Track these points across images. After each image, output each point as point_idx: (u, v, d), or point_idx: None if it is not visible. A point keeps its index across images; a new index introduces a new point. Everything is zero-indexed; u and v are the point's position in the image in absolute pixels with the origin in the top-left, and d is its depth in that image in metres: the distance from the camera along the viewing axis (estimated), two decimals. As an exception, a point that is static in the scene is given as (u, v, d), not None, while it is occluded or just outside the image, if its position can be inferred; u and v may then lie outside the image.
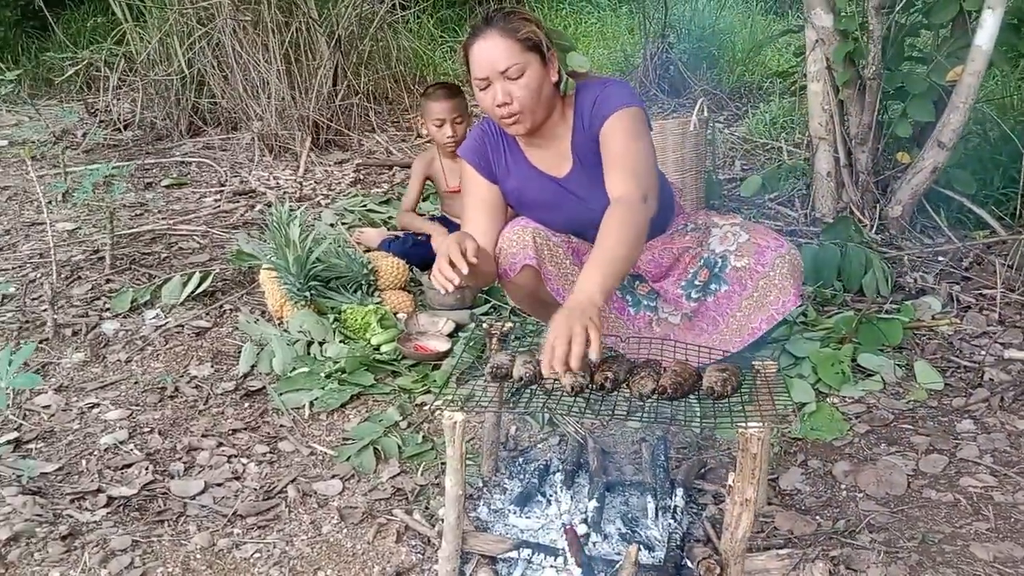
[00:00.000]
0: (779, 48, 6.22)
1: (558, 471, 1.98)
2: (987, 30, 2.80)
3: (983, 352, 2.47)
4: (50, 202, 3.86)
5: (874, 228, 3.23)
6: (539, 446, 2.16)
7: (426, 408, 2.30)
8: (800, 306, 2.68)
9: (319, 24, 4.64)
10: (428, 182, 3.31)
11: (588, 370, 1.65)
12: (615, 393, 1.63)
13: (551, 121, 1.99)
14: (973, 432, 2.13)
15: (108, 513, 1.89)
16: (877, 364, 2.40)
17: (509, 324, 1.91)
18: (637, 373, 1.64)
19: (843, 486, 1.96)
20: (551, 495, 1.91)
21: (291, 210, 2.83)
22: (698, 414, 1.97)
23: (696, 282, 2.10)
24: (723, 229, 2.10)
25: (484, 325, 1.92)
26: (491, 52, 1.86)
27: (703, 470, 2.03)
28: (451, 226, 3.25)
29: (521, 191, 2.07)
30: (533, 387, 1.65)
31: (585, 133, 1.98)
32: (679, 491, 1.87)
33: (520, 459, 2.08)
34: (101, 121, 5.11)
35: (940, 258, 3.04)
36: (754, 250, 2.01)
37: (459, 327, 2.73)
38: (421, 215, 3.34)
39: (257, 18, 4.57)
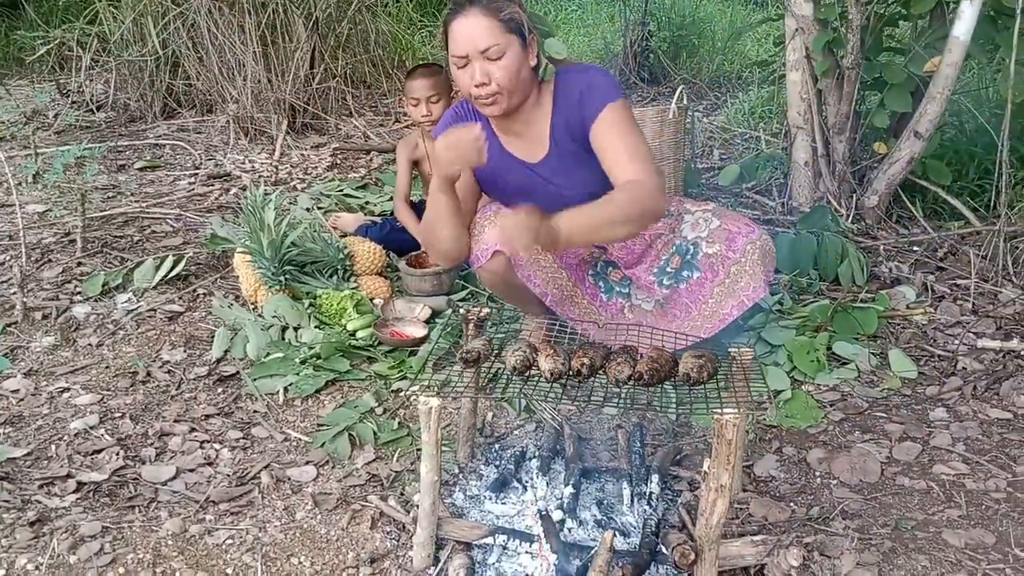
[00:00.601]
0: (758, 37, 6.23)
1: (534, 457, 1.97)
2: (965, 21, 2.82)
3: (957, 341, 2.50)
4: (20, 183, 3.79)
5: (850, 218, 3.24)
6: (516, 432, 2.15)
7: (402, 394, 2.28)
8: (776, 294, 2.70)
9: (296, 5, 4.57)
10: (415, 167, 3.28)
11: (566, 357, 1.64)
12: (592, 379, 1.63)
13: (527, 105, 1.98)
14: (946, 420, 2.15)
15: (78, 499, 1.87)
16: (852, 352, 2.42)
17: (486, 310, 1.90)
18: (614, 359, 1.63)
19: (817, 473, 1.97)
20: (527, 481, 1.90)
21: (266, 194, 2.80)
22: (674, 400, 1.98)
23: (668, 269, 2.10)
24: (695, 216, 2.10)
25: (460, 311, 1.91)
26: (472, 30, 1.83)
27: (679, 456, 2.03)
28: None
29: (494, 176, 2.06)
30: (511, 374, 1.63)
31: (566, 121, 1.97)
32: (655, 477, 1.87)
33: (496, 445, 2.07)
34: (73, 102, 5.02)
35: (915, 248, 3.06)
36: (725, 236, 2.02)
37: (436, 313, 2.72)
38: (412, 202, 3.31)
39: (233, -1, 4.51)
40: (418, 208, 3.25)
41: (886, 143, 3.24)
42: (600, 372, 1.64)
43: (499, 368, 1.80)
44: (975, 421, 2.14)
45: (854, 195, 3.29)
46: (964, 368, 2.37)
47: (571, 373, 1.61)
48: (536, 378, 1.65)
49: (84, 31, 4.97)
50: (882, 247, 3.05)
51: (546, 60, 2.00)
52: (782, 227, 3.26)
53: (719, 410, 1.48)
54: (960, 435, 2.08)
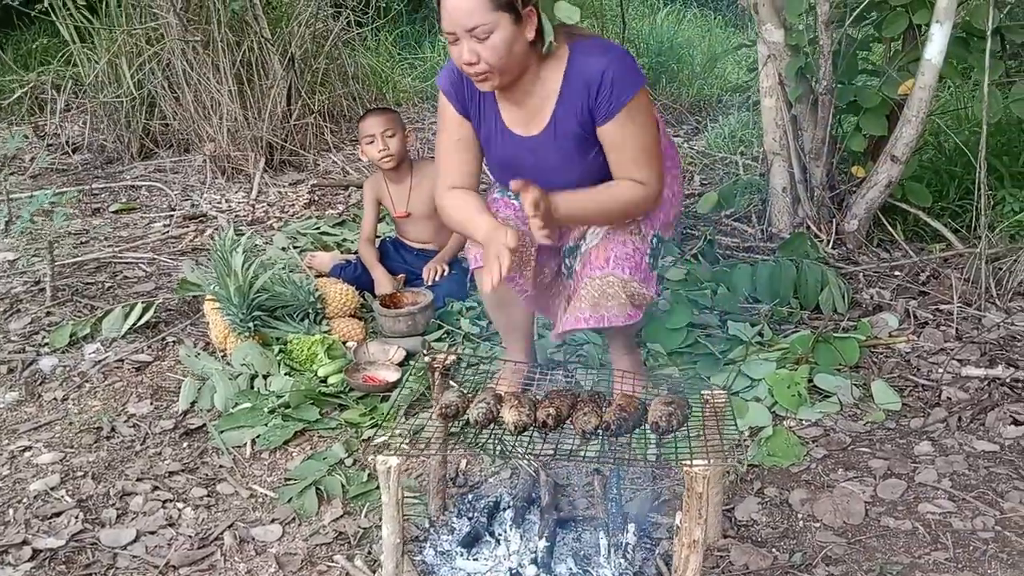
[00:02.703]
0: (737, 61, 6.23)
1: (508, 508, 1.91)
2: (936, 44, 2.80)
3: (940, 370, 2.45)
4: (-10, 231, 3.73)
5: (831, 243, 3.21)
6: (490, 480, 2.09)
7: (373, 443, 2.22)
8: (756, 325, 2.64)
9: (272, 43, 4.55)
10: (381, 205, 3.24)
11: (531, 407, 1.59)
12: (559, 429, 1.58)
13: (526, 78, 1.92)
14: (931, 455, 2.09)
15: (32, 568, 1.80)
16: (834, 385, 2.36)
17: (453, 357, 1.85)
18: (580, 408, 1.58)
19: (800, 515, 1.92)
20: (500, 534, 1.84)
21: (235, 236, 2.75)
22: (646, 445, 1.92)
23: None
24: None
25: (426, 358, 1.86)
26: (459, 8, 1.78)
27: (657, 502, 1.97)
28: (405, 251, 3.18)
29: (488, 144, 2.05)
30: (474, 427, 1.58)
31: (575, 108, 1.91)
32: (631, 527, 1.80)
33: (470, 495, 2.00)
34: (49, 145, 4.97)
35: (897, 273, 3.02)
36: (591, 257, 2.03)
37: (411, 355, 2.66)
38: (379, 237, 3.27)
39: (208, 38, 4.47)
40: (385, 247, 3.21)
41: (864, 167, 3.22)
42: (567, 422, 1.58)
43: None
44: (961, 454, 2.08)
45: (833, 220, 3.25)
46: (949, 398, 2.32)
47: (536, 424, 1.55)
48: (503, 429, 1.59)
49: (59, 73, 4.94)
50: (863, 273, 3.01)
51: (558, 23, 1.92)
52: (762, 254, 3.22)
53: (688, 461, 1.43)
54: (946, 470, 2.03)
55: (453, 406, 1.59)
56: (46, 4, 4.48)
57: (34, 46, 5.70)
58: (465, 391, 2.16)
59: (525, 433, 1.56)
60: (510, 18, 1.79)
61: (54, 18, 4.64)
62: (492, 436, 1.68)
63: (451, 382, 1.91)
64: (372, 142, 3.01)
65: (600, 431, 1.52)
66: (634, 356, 2.32)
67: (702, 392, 1.70)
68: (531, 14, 1.84)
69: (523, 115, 1.99)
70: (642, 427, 1.57)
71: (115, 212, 4.11)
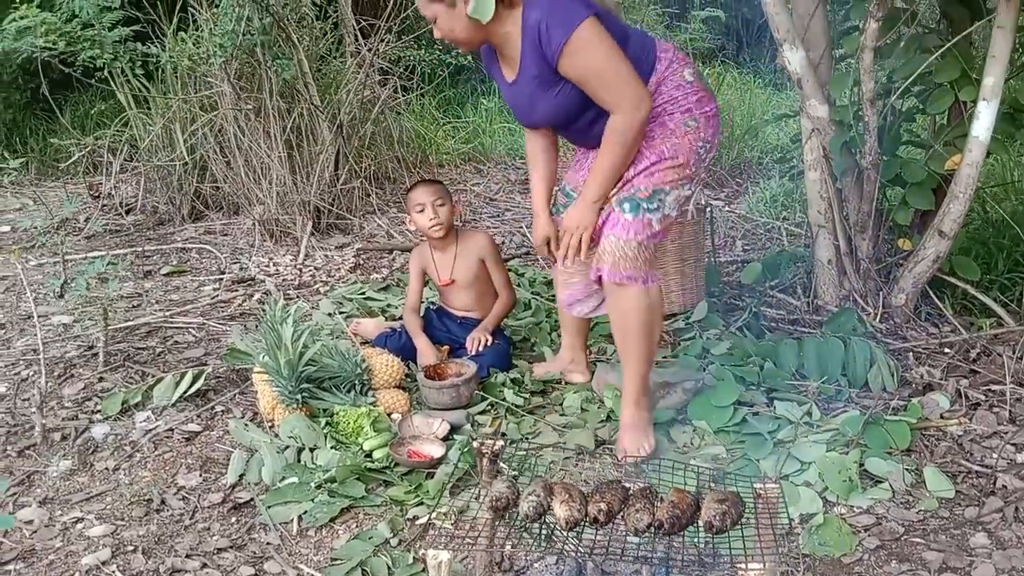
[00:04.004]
0: (778, 124, 6.25)
1: (554, 595, 1.90)
2: (983, 121, 2.79)
3: (995, 455, 2.40)
4: (47, 295, 3.85)
5: (878, 316, 3.17)
6: (536, 566, 2.07)
7: (419, 522, 2.22)
8: (804, 404, 2.61)
9: (321, 110, 4.68)
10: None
11: (582, 500, 1.59)
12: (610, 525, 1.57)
13: (499, 33, 2.28)
14: (988, 548, 2.04)
15: (84, 647, 1.82)
16: (885, 470, 2.32)
17: (500, 443, 1.85)
18: (632, 505, 1.57)
19: (853, 610, 1.87)
20: (547, 623, 1.82)
21: (285, 306, 2.80)
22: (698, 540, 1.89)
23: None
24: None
25: (475, 443, 1.86)
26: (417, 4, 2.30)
27: (706, 593, 1.94)
28: (448, 319, 3.22)
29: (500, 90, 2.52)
30: (525, 521, 1.58)
31: (532, 52, 2.24)
32: (680, 620, 1.78)
33: (515, 580, 1.99)
34: (104, 206, 5.13)
35: (947, 350, 2.98)
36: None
37: (455, 428, 2.67)
38: (423, 303, 3.31)
39: (259, 105, 4.62)
40: (428, 315, 3.24)
41: (910, 239, 3.20)
42: (619, 518, 1.58)
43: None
44: (1019, 549, 2.03)
45: (880, 293, 3.22)
46: (1004, 486, 2.26)
47: (588, 520, 1.55)
48: (553, 523, 1.59)
49: (115, 137, 5.11)
50: (912, 350, 2.97)
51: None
52: (808, 327, 3.20)
53: (743, 565, 1.41)
54: (1004, 566, 1.97)
55: (504, 498, 1.60)
56: (105, 73, 4.66)
57: (92, 110, 5.91)
58: (512, 469, 2.17)
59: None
60: (443, 4, 2.23)
61: (112, 86, 4.83)
62: (542, 525, 1.68)
63: (501, 464, 1.91)
64: (422, 211, 3.06)
65: (653, 529, 1.51)
66: (639, 411, 2.45)
67: (755, 485, 1.68)
68: None
69: (506, 62, 2.39)
70: (695, 524, 1.56)
71: (166, 275, 4.21)
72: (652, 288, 2.40)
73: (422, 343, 3.06)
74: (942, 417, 2.60)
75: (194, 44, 4.70)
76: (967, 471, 2.35)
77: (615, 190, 2.38)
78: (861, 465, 2.35)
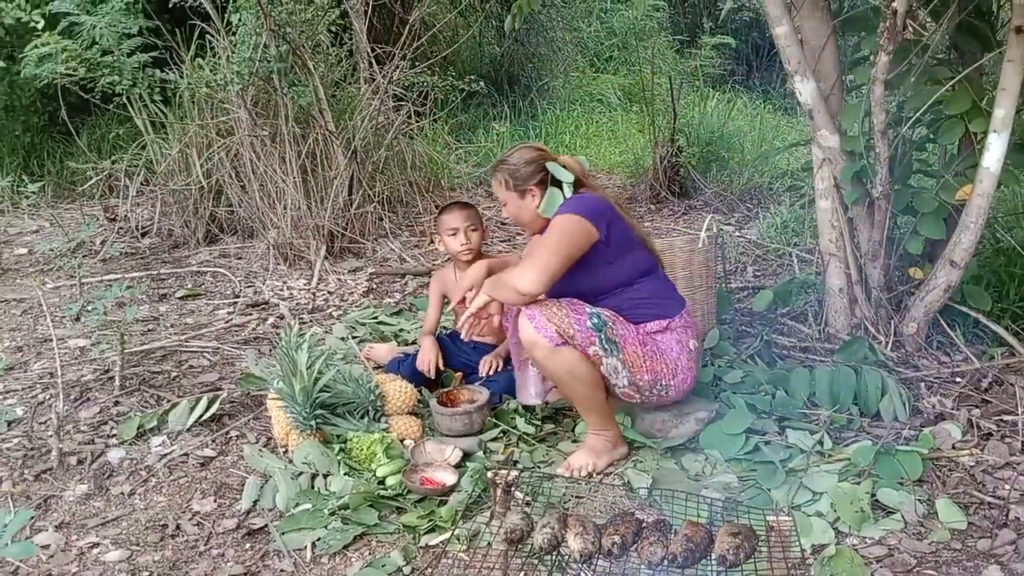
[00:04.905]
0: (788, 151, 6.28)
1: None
2: (994, 152, 2.81)
3: (1007, 486, 2.39)
4: (63, 318, 3.89)
5: (889, 345, 3.18)
6: (547, 594, 2.08)
7: (431, 549, 2.23)
8: (815, 433, 2.62)
9: (336, 136, 4.74)
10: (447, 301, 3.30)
11: (596, 532, 1.60)
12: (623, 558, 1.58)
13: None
14: (1001, 581, 2.04)
15: (100, 673, 1.83)
16: (897, 501, 2.32)
17: (514, 473, 1.87)
18: (646, 537, 1.59)
19: (866, 644, 1.87)
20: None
21: (300, 333, 2.83)
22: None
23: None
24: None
25: (488, 473, 1.88)
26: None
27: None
28: (462, 344, 3.23)
29: None
30: (539, 553, 1.59)
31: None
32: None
33: (528, 609, 2.00)
34: (120, 228, 5.19)
35: (958, 379, 2.98)
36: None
37: (467, 455, 2.68)
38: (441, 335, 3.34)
39: (275, 131, 4.68)
40: (443, 340, 3.26)
41: (922, 268, 3.21)
42: (632, 549, 1.59)
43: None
44: (1033, 582, 2.02)
45: (892, 321, 3.23)
46: (1017, 518, 2.26)
47: (602, 553, 1.56)
48: (567, 555, 1.60)
49: (132, 161, 5.18)
50: (923, 380, 2.97)
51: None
52: (819, 355, 3.21)
53: (756, 599, 1.42)
54: (1018, 599, 1.97)
55: (518, 530, 1.61)
56: (124, 99, 4.74)
57: (109, 134, 5.99)
58: (525, 495, 2.18)
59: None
60: (515, 196, 2.68)
61: (130, 111, 4.90)
62: (556, 557, 1.69)
63: (515, 491, 1.93)
64: (455, 235, 3.09)
65: (666, 562, 1.52)
66: (598, 438, 2.57)
67: (767, 518, 1.69)
68: (531, 191, 2.66)
69: None
70: (708, 558, 1.56)
71: (181, 298, 4.25)
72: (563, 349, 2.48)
73: (427, 342, 3.13)
74: (954, 447, 2.60)
75: (211, 71, 4.78)
76: (979, 502, 2.35)
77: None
78: (873, 495, 2.35)
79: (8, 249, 5.04)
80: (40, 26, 4.43)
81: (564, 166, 2.66)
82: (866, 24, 3.16)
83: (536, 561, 2.16)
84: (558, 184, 2.66)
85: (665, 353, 2.53)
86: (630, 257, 2.57)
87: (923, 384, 2.96)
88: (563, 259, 2.43)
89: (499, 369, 3.09)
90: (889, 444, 2.55)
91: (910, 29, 2.91)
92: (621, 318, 2.52)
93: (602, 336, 2.43)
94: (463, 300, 3.13)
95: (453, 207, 3.17)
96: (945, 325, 3.22)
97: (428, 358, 3.09)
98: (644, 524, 1.64)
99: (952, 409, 2.80)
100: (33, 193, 4.88)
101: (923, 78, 3.03)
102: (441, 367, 3.11)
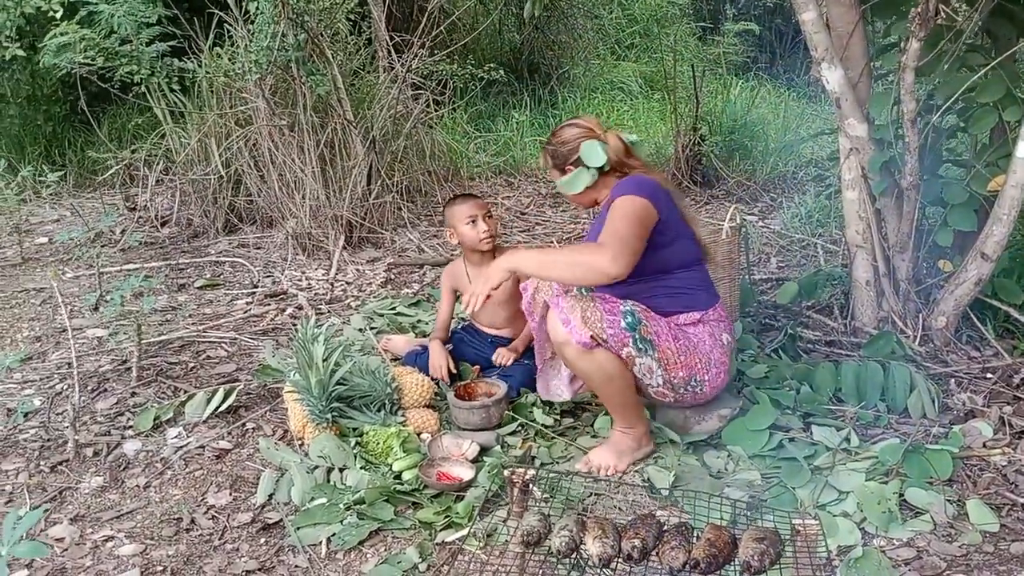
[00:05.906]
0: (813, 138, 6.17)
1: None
2: (1028, 141, 2.72)
3: (1041, 487, 2.32)
4: (81, 308, 3.89)
5: (918, 339, 3.10)
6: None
7: (448, 545, 2.20)
8: (841, 430, 2.56)
9: (354, 125, 4.70)
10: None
11: (615, 536, 1.55)
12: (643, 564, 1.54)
13: (601, 196, 2.65)
14: (1035, 586, 1.97)
15: (113, 670, 1.81)
16: (926, 502, 2.26)
17: (531, 472, 1.83)
18: (667, 542, 1.54)
19: (894, 650, 1.82)
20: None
21: (317, 324, 2.80)
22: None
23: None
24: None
25: (505, 471, 1.84)
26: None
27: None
28: (479, 337, 3.19)
29: None
30: (556, 557, 1.55)
31: (601, 217, 2.52)
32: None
33: (545, 609, 1.96)
34: (139, 218, 5.19)
35: (989, 375, 2.90)
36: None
37: (484, 450, 2.64)
38: (454, 318, 3.30)
39: (293, 121, 4.65)
40: (459, 335, 3.22)
41: (951, 261, 3.12)
42: (653, 554, 1.54)
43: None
44: (1068, 587, 1.96)
45: (920, 315, 3.15)
46: (1052, 521, 2.19)
47: (621, 557, 1.51)
48: (587, 559, 1.56)
49: (151, 150, 5.17)
50: (953, 376, 2.89)
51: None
52: (846, 350, 3.14)
53: (781, 607, 1.37)
54: (1052, 606, 1.90)
55: (535, 533, 1.57)
56: (143, 88, 4.72)
57: (129, 124, 5.99)
58: (544, 493, 2.14)
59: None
60: (558, 174, 2.69)
61: (149, 100, 4.89)
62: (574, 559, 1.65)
63: (533, 489, 1.89)
64: (473, 223, 3.03)
65: (688, 568, 1.47)
66: (623, 436, 2.51)
67: (793, 522, 1.63)
68: (569, 170, 2.65)
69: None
70: (732, 563, 1.52)
71: (200, 288, 4.24)
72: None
73: (435, 348, 3.08)
74: (985, 446, 2.52)
75: (230, 60, 4.75)
76: (1012, 503, 2.28)
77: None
78: (901, 495, 2.29)
79: (29, 238, 5.06)
80: (59, 15, 4.42)
81: (607, 143, 2.62)
82: (896, 9, 3.07)
83: (555, 560, 2.13)
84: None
85: (698, 347, 2.47)
86: (677, 246, 2.52)
87: (952, 380, 2.88)
88: (641, 241, 2.38)
89: (515, 360, 3.05)
90: (918, 442, 2.49)
91: (942, 14, 2.81)
92: (651, 312, 2.45)
93: (636, 336, 2.36)
94: (488, 297, 3.10)
95: (464, 197, 3.13)
96: (975, 319, 3.14)
97: (439, 364, 3.03)
98: (665, 527, 1.59)
99: (983, 406, 2.72)
100: (54, 182, 4.87)
101: (955, 65, 2.94)
102: (453, 370, 3.06)
